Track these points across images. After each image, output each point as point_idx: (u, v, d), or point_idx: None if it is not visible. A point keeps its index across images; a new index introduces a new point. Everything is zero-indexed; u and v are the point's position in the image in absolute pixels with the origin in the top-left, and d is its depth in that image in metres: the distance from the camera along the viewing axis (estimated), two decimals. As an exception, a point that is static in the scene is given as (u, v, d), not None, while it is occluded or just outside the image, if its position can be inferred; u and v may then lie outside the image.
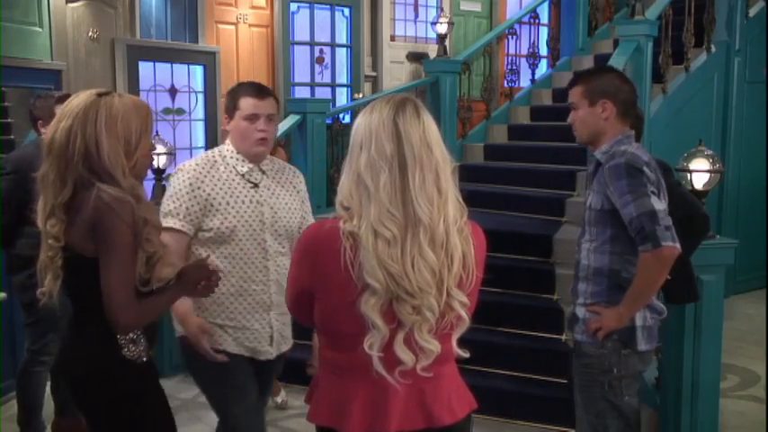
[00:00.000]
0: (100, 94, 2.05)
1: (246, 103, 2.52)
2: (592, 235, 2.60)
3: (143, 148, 2.07)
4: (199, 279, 2.13)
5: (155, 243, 2.00)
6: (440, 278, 1.60)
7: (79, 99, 2.05)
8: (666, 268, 2.47)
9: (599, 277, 2.58)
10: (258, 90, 2.56)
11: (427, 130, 1.63)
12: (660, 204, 2.44)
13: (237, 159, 2.55)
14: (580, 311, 2.65)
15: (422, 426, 1.67)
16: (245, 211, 2.50)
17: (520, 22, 7.66)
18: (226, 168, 2.54)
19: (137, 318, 1.99)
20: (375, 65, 7.47)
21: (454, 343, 1.70)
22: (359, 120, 1.68)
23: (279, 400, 4.31)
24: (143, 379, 2.10)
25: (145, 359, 2.09)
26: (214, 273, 2.15)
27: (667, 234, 2.41)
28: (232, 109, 2.54)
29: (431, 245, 1.59)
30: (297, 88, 6.96)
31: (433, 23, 7.27)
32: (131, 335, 2.04)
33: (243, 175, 2.54)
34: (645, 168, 2.47)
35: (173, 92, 6.12)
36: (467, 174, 6.56)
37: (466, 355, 1.71)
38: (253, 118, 2.51)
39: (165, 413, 2.22)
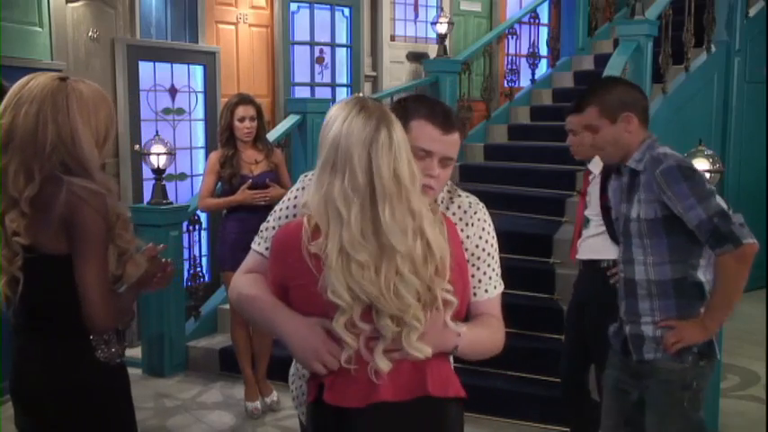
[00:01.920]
0: (62, 78, 1.91)
1: (423, 132, 1.78)
2: (646, 248, 2.43)
3: (110, 140, 1.97)
4: (155, 272, 2.07)
5: (126, 239, 1.92)
6: (425, 292, 1.61)
7: (38, 82, 1.89)
8: (748, 267, 2.32)
9: (664, 290, 2.41)
10: (444, 118, 1.80)
11: (398, 159, 1.61)
12: (723, 202, 2.33)
13: None
14: (648, 330, 2.45)
15: (417, 394, 1.67)
16: None
17: (520, 22, 7.66)
18: None
19: (114, 316, 1.91)
20: (375, 65, 7.46)
21: (448, 319, 1.68)
22: (335, 124, 1.64)
23: (268, 400, 4.30)
24: (116, 383, 2.02)
25: (118, 361, 2.01)
26: (168, 264, 2.11)
27: (744, 231, 2.29)
28: None
29: (411, 269, 1.59)
30: (297, 88, 6.96)
31: (433, 23, 7.27)
32: (105, 336, 1.95)
33: None
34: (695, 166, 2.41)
35: (173, 92, 6.11)
36: (467, 174, 6.57)
37: (461, 329, 1.70)
38: (425, 155, 1.78)
39: (133, 422, 2.12)
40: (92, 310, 1.84)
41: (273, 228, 1.88)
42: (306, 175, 1.95)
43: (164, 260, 2.11)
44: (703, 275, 2.42)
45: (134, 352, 5.07)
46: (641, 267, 2.44)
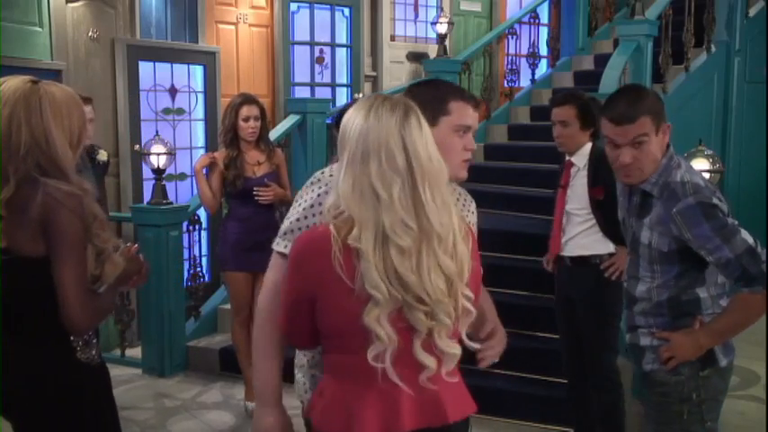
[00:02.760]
0: (33, 81, 1.91)
1: (462, 110, 1.96)
2: (655, 273, 2.31)
3: (83, 141, 1.97)
4: (132, 272, 2.06)
5: (103, 239, 1.91)
6: (453, 285, 1.61)
7: (11, 85, 1.89)
8: None
9: (660, 309, 2.33)
10: (470, 96, 2.03)
11: (429, 143, 1.63)
12: (748, 236, 2.18)
13: None
14: (645, 340, 2.36)
15: (436, 423, 1.66)
16: None
17: (520, 22, 7.66)
18: None
19: (93, 317, 1.90)
20: (375, 65, 7.46)
21: (464, 333, 1.69)
22: (356, 121, 1.63)
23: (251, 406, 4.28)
24: (98, 383, 2.01)
25: (99, 361, 2.00)
26: (144, 264, 2.11)
27: None
28: (438, 111, 1.94)
29: (445, 254, 1.60)
30: (297, 88, 6.96)
31: (433, 23, 7.27)
32: (85, 336, 1.94)
33: None
34: (714, 200, 2.19)
35: (173, 92, 6.12)
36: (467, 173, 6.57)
37: (478, 346, 1.73)
38: (464, 130, 1.96)
39: (116, 421, 2.10)
40: (70, 311, 1.83)
41: (300, 229, 1.83)
42: (322, 172, 1.91)
43: (141, 258, 2.11)
44: (707, 291, 2.31)
45: (134, 352, 5.07)
46: (645, 288, 2.35)
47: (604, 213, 3.28)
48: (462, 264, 1.63)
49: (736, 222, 2.21)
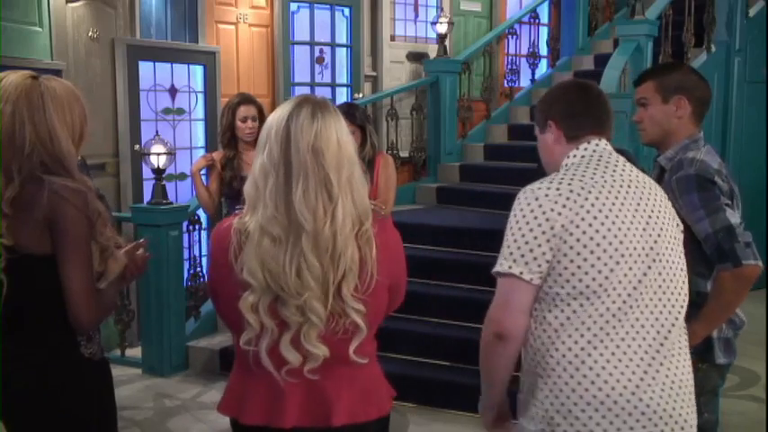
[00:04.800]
0: (33, 77, 1.90)
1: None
2: None
3: (85, 136, 1.96)
4: (134, 265, 2.06)
5: (107, 236, 1.91)
6: (324, 283, 1.59)
7: (11, 80, 1.86)
8: (747, 288, 2.26)
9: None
10: None
11: (320, 136, 1.61)
12: (735, 217, 2.24)
13: None
14: None
15: (319, 423, 1.67)
16: None
17: (520, 21, 7.66)
18: None
19: (98, 314, 1.91)
20: (375, 65, 7.46)
21: (351, 350, 1.64)
22: (269, 117, 1.71)
23: None
24: (101, 378, 2.02)
25: (101, 356, 2.01)
26: (145, 256, 2.12)
27: (748, 251, 2.20)
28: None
29: (314, 250, 1.58)
30: (297, 88, 6.95)
31: (433, 23, 7.26)
32: (89, 332, 1.95)
33: None
34: (716, 178, 2.25)
35: (173, 92, 6.11)
36: (467, 174, 6.57)
37: (363, 361, 1.67)
38: None
39: (115, 417, 2.10)
40: (77, 308, 1.84)
41: None
42: None
43: (141, 251, 2.10)
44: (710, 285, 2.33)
45: (134, 352, 5.07)
46: None
47: None
48: (339, 263, 1.59)
49: (730, 203, 2.24)
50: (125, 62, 5.59)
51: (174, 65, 6.07)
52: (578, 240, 1.74)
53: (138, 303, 5.10)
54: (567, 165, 1.90)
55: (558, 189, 1.79)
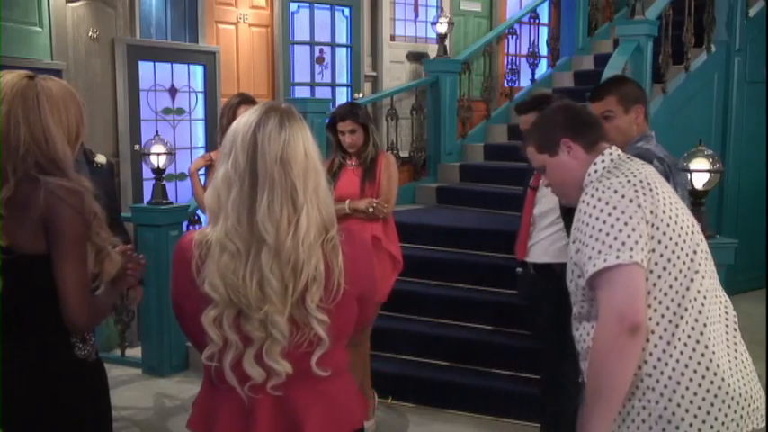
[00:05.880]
0: (30, 77, 1.89)
1: None
2: None
3: (81, 137, 1.95)
4: (129, 268, 2.06)
5: (103, 237, 1.90)
6: (286, 295, 1.55)
7: (7, 80, 1.85)
8: None
9: None
10: None
11: (288, 145, 1.56)
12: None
13: None
14: None
15: None
16: None
17: (520, 21, 7.67)
18: None
19: (93, 315, 1.90)
20: (375, 65, 7.46)
21: (314, 362, 1.60)
22: (233, 123, 1.65)
23: None
24: (96, 379, 2.01)
25: (96, 357, 2.00)
26: (141, 258, 2.11)
27: None
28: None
29: (276, 263, 1.53)
30: (297, 88, 6.95)
31: (433, 23, 7.26)
32: (84, 334, 1.94)
33: None
34: (655, 162, 2.46)
35: (173, 92, 6.12)
36: (467, 174, 6.57)
37: (325, 373, 1.61)
38: None
39: (109, 417, 2.11)
40: (71, 308, 1.83)
41: None
42: None
43: (138, 255, 2.11)
44: None
45: (134, 352, 5.07)
46: None
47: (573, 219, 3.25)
48: (310, 280, 1.55)
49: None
50: (125, 62, 5.59)
51: (173, 65, 6.07)
52: (668, 225, 1.79)
53: (138, 303, 5.09)
54: (601, 169, 1.92)
55: (629, 181, 1.81)
